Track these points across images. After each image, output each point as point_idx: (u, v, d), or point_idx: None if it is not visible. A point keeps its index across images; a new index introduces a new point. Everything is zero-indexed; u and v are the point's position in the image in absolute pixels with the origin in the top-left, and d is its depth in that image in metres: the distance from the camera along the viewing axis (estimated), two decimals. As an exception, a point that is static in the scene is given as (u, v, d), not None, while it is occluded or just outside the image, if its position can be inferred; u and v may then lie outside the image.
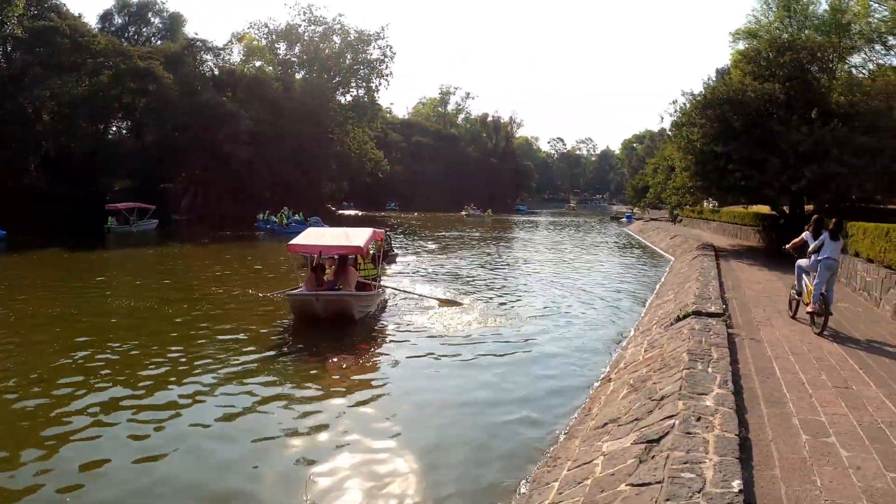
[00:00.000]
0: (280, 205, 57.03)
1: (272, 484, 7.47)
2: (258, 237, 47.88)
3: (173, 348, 13.50)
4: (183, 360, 12.66)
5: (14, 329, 15.17)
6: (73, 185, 50.48)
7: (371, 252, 19.27)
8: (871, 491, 5.39)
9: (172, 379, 11.38)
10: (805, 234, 13.04)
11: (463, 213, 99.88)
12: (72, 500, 6.96)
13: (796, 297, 13.38)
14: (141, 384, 10.94)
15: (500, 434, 9.08)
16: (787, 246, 13.63)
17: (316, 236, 18.77)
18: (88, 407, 9.74)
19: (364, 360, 13.33)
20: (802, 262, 12.93)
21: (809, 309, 12.24)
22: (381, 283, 19.61)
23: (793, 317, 13.35)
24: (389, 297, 19.73)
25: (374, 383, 11.53)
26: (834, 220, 12.80)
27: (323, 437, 8.90)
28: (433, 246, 43.12)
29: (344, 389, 11.04)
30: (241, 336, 14.85)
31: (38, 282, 22.99)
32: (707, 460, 5.62)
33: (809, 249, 12.57)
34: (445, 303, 19.08)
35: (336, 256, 17.99)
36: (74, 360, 12.38)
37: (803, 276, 12.95)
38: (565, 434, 8.79)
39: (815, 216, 13.37)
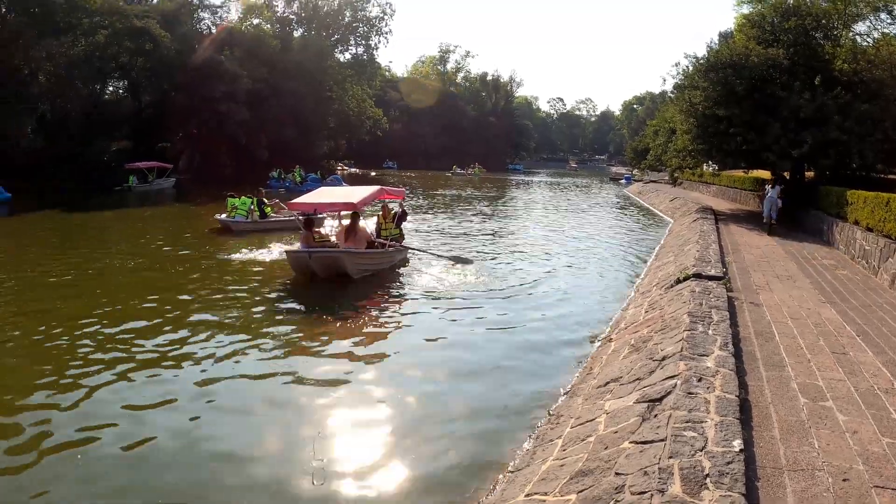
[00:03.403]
0: (279, 164, 56.63)
1: (279, 441, 7.55)
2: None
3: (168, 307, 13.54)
4: (183, 319, 12.69)
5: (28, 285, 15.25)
6: (69, 147, 49.92)
7: (393, 211, 19.27)
8: (867, 455, 5.54)
9: (174, 336, 11.39)
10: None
11: (449, 172, 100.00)
12: (82, 455, 7.06)
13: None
14: (138, 343, 10.91)
15: (503, 392, 9.18)
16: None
17: (318, 194, 18.83)
18: (89, 361, 9.81)
19: (371, 318, 13.35)
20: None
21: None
22: (404, 242, 19.59)
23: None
24: (410, 256, 19.73)
25: (376, 342, 11.53)
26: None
27: (326, 395, 8.96)
28: (433, 204, 43.12)
29: (345, 347, 11.03)
30: (241, 294, 14.88)
31: (53, 241, 22.96)
32: (708, 420, 5.74)
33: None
34: (452, 261, 19.08)
35: (341, 213, 18.14)
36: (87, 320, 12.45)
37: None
38: (567, 392, 8.91)
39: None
